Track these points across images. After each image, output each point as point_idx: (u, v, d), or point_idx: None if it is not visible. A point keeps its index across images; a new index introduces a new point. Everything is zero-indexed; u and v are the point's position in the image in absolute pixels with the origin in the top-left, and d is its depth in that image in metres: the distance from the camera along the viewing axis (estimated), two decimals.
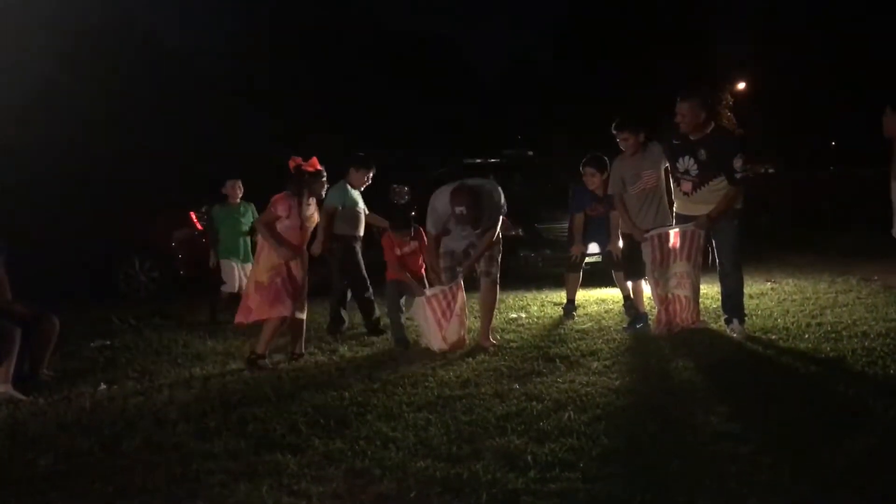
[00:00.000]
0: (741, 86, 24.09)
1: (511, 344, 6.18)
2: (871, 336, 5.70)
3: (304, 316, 6.11)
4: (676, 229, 6.08)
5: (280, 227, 5.86)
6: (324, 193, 6.22)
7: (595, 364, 5.32)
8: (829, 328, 6.07)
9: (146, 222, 10.21)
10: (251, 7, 19.51)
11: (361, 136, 16.47)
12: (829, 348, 5.38)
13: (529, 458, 3.50)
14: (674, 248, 6.08)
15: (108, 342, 6.94)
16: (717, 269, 6.11)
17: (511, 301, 8.43)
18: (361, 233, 7.12)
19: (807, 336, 5.83)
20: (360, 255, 7.07)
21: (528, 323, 7.17)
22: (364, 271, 7.04)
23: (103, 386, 5.32)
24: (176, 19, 17.76)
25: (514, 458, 3.49)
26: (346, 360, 5.95)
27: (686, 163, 5.97)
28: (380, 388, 4.88)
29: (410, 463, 3.50)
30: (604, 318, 7.15)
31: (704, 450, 3.53)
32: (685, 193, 6.06)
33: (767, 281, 9.03)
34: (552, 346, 5.98)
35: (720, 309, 6.36)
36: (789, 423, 3.83)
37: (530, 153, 14.31)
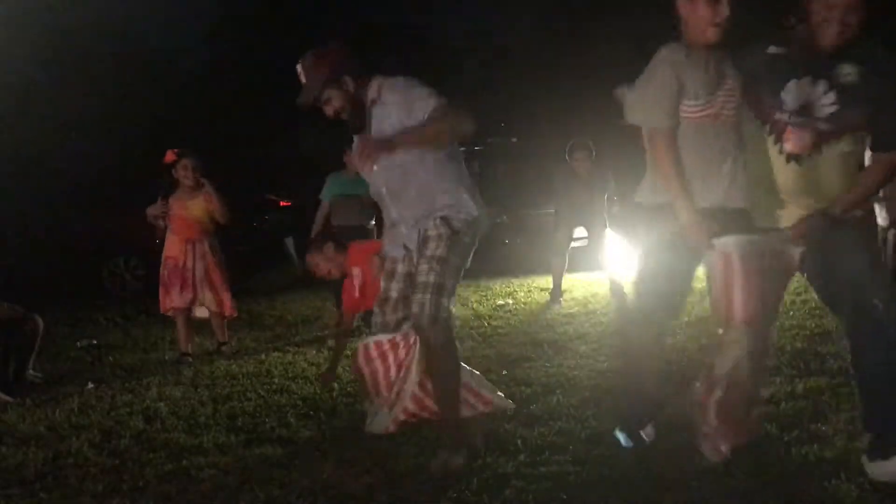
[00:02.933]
0: None
1: (499, 330, 6.20)
2: None
3: (212, 308, 6.13)
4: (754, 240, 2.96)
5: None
6: (187, 180, 6.07)
7: (583, 347, 5.35)
8: (814, 304, 6.10)
9: (130, 220, 10.14)
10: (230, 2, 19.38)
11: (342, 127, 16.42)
12: (813, 325, 5.43)
13: (519, 442, 3.51)
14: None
15: (95, 341, 6.91)
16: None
17: (498, 288, 8.46)
18: (365, 222, 6.93)
19: (792, 313, 5.87)
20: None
21: (516, 309, 7.20)
22: None
23: (91, 385, 5.30)
24: (155, 15, 17.54)
25: (504, 443, 3.50)
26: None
27: (811, 92, 2.88)
28: None
29: (400, 452, 3.51)
30: (590, 302, 7.18)
31: (689, 429, 3.55)
32: (794, 158, 2.90)
33: None
34: (540, 331, 6.01)
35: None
36: (777, 400, 3.86)
37: (514, 139, 14.31)
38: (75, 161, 13.45)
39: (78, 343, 6.84)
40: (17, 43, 14.43)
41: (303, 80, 3.41)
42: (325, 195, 7.01)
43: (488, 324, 6.46)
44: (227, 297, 6.16)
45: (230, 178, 8.36)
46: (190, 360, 5.91)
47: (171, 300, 6.01)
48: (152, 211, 6.09)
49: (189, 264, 6.02)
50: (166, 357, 6.12)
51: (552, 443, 3.49)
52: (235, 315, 6.36)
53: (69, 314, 8.17)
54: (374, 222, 6.84)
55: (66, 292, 9.21)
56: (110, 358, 6.22)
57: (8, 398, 4.94)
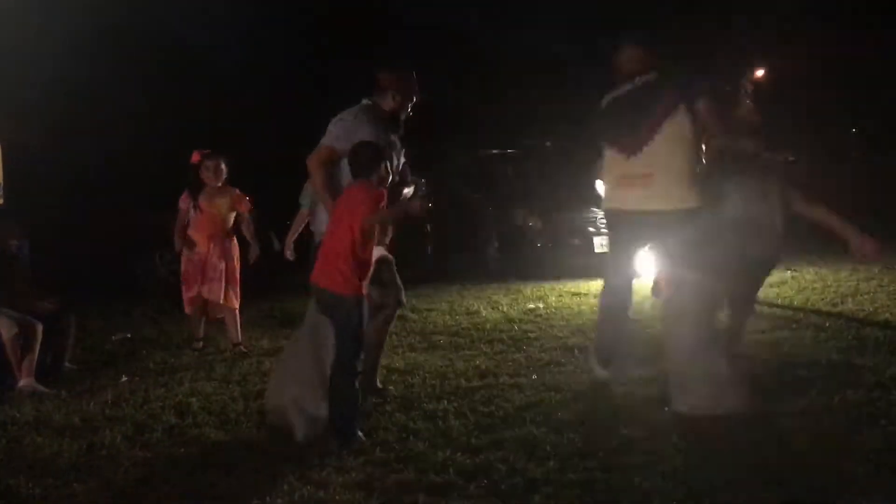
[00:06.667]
0: (760, 73, 23.84)
1: (529, 334, 6.17)
2: (894, 324, 5.65)
3: (234, 305, 6.23)
4: None
5: (190, 219, 6.20)
6: (215, 180, 6.15)
7: None
8: (851, 316, 6.02)
9: (164, 216, 10.26)
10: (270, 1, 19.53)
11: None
12: (850, 336, 5.34)
13: (549, 447, 3.50)
14: None
15: (129, 335, 6.99)
16: None
17: (529, 291, 8.43)
18: None
19: (828, 325, 5.79)
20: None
21: (547, 313, 7.16)
22: None
23: (125, 378, 5.37)
24: (190, 14, 17.66)
25: (534, 449, 3.50)
26: None
27: None
28: (399, 379, 4.89)
29: (430, 453, 3.51)
30: None
31: (722, 439, 3.51)
32: None
33: (788, 269, 8.96)
34: (570, 336, 5.98)
35: None
36: (811, 413, 3.80)
37: (548, 143, 14.26)
38: (110, 157, 13.63)
39: (112, 336, 6.92)
40: (57, 40, 14.66)
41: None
42: (306, 202, 6.47)
43: (518, 327, 6.44)
44: (235, 292, 6.24)
45: (265, 177, 8.41)
46: (201, 344, 6.25)
47: (194, 291, 6.15)
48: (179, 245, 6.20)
49: (212, 260, 6.14)
50: (196, 353, 6.17)
51: (581, 449, 3.47)
52: (237, 306, 6.39)
53: (104, 308, 8.28)
54: None
55: (100, 287, 9.32)
56: (144, 352, 6.30)
57: (44, 389, 5.02)
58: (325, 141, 4.30)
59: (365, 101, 4.44)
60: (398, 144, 4.45)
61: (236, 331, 6.23)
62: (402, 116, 4.49)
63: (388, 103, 4.42)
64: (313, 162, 4.28)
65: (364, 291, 3.80)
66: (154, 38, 17.66)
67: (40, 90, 13.82)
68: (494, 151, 13.08)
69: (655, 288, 7.22)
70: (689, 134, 4.22)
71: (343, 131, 4.22)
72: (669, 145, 4.23)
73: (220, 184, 6.19)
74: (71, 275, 8.55)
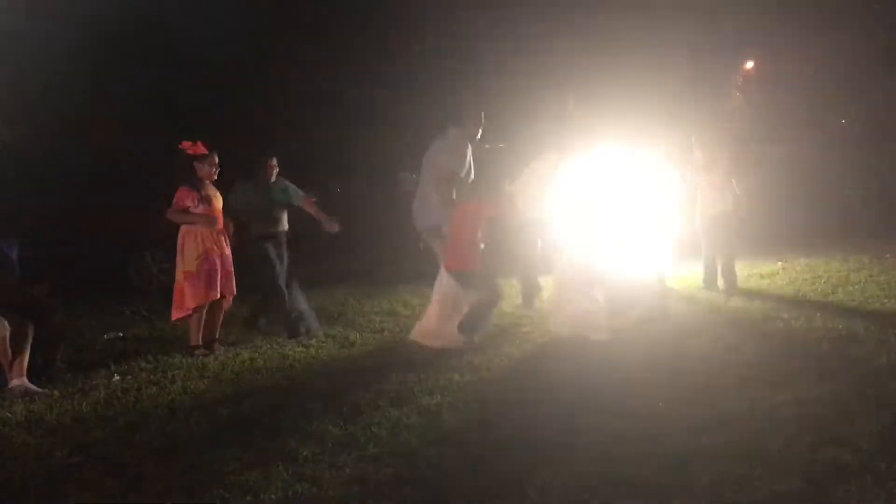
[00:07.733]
0: (749, 65, 23.84)
1: (521, 329, 6.18)
2: (883, 313, 5.67)
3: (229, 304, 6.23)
4: None
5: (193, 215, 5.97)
6: (214, 176, 6.07)
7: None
8: (842, 307, 6.04)
9: (156, 215, 10.22)
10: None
11: (376, 124, 16.38)
12: (840, 327, 5.36)
13: (542, 441, 3.50)
14: None
15: (121, 334, 6.97)
16: None
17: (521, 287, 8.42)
18: (280, 228, 6.63)
19: (819, 315, 5.80)
20: (272, 254, 6.57)
21: (539, 306, 7.16)
22: (275, 272, 6.56)
23: (117, 377, 5.35)
24: (182, 8, 17.54)
25: (527, 442, 3.50)
26: (357, 347, 5.96)
27: None
28: (391, 375, 4.89)
29: (423, 448, 3.52)
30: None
31: (716, 429, 3.53)
32: None
33: (779, 260, 8.99)
34: (562, 329, 5.97)
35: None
36: (803, 403, 3.82)
37: None
38: (101, 155, 13.57)
39: (105, 335, 6.90)
40: (44, 35, 14.58)
41: None
42: (240, 204, 6.51)
43: (511, 322, 6.45)
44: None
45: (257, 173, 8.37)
46: (203, 350, 5.97)
47: (217, 290, 5.93)
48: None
49: (228, 256, 6.08)
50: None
51: (575, 442, 3.48)
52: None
53: (96, 307, 8.26)
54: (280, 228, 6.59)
55: (93, 285, 9.29)
56: (136, 350, 6.28)
57: (36, 389, 5.01)
58: (454, 168, 5.93)
59: (454, 131, 6.03)
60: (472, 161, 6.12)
61: (221, 326, 6.24)
62: (476, 140, 6.08)
63: (470, 131, 6.03)
64: (446, 184, 5.88)
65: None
66: (146, 38, 17.58)
67: (32, 90, 13.75)
68: (486, 146, 13.06)
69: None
70: (545, 174, 6.32)
71: (460, 159, 5.98)
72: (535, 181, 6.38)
73: (215, 178, 6.11)
74: (63, 274, 8.52)
